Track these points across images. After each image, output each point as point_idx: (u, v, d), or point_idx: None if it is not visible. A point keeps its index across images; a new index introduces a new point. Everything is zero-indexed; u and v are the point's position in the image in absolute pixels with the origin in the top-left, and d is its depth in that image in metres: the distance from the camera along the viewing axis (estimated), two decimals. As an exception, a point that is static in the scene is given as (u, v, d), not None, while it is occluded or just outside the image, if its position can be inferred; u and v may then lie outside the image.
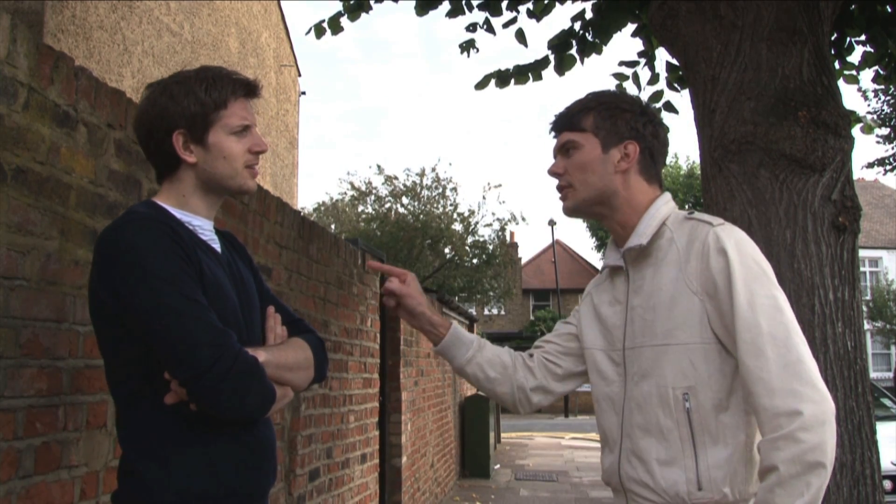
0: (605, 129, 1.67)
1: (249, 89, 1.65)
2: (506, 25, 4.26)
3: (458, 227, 20.13)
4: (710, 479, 1.51)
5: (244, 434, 1.58)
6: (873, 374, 24.48)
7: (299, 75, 16.41)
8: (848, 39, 4.02)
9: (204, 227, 1.65)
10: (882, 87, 13.80)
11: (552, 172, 1.74)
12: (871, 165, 16.44)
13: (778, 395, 1.42)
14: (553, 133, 1.76)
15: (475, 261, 20.55)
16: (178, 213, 1.61)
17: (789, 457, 1.39)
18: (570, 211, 1.74)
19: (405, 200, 20.43)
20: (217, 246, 1.67)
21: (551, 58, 4.34)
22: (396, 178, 20.38)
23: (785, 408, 1.41)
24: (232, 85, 1.61)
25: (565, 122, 1.72)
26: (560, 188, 1.74)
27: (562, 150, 1.73)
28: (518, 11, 4.22)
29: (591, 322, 1.78)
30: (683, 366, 1.54)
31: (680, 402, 1.54)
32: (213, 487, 1.49)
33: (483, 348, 1.86)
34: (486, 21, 4.24)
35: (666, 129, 1.75)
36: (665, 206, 1.67)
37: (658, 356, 1.57)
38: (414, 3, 4.17)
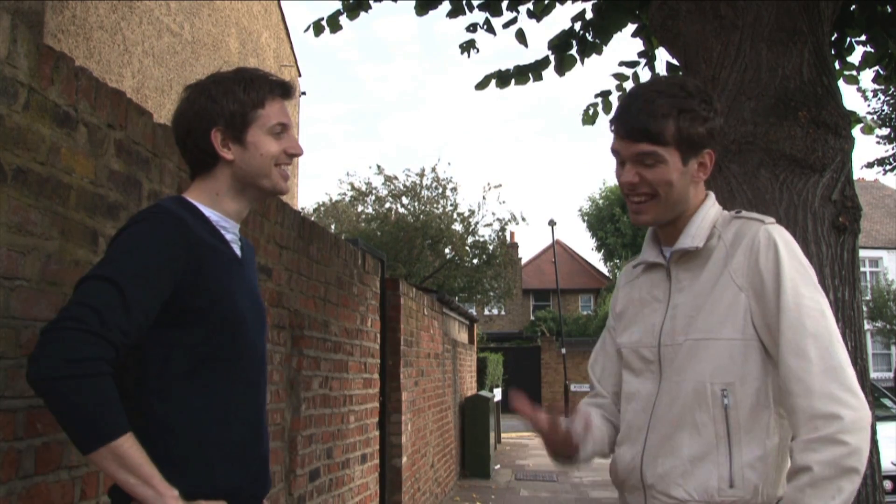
0: (686, 140, 1.57)
1: (285, 90, 1.68)
2: (506, 26, 4.26)
3: (458, 227, 20.13)
4: (742, 477, 1.49)
5: (248, 434, 1.58)
6: (873, 374, 24.45)
7: (299, 75, 16.42)
8: (848, 39, 4.02)
9: (230, 229, 1.66)
10: (882, 86, 13.79)
11: (629, 183, 1.60)
12: (870, 165, 16.45)
13: (817, 398, 1.41)
14: (625, 135, 1.60)
15: (475, 261, 20.54)
16: (207, 212, 1.62)
17: (826, 459, 1.38)
18: (648, 223, 1.67)
19: (405, 200, 20.44)
20: (239, 251, 1.68)
21: (551, 58, 4.35)
22: (396, 178, 20.39)
23: (824, 410, 1.40)
24: (269, 85, 1.65)
25: (645, 132, 1.56)
26: (637, 197, 1.62)
27: (638, 159, 1.59)
28: (518, 11, 4.23)
29: (627, 320, 1.75)
30: (723, 361, 1.53)
31: (718, 398, 1.52)
32: (212, 488, 1.50)
33: (592, 436, 1.75)
34: (487, 21, 4.24)
35: (728, 128, 1.69)
36: (713, 207, 1.65)
37: (698, 351, 1.55)
38: (414, 3, 4.17)
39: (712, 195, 1.69)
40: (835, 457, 1.38)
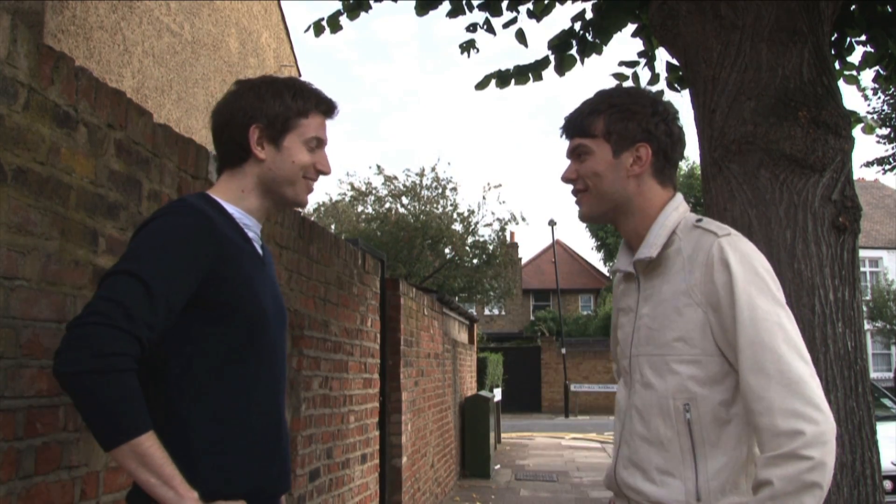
0: (616, 132, 1.63)
1: (329, 109, 1.71)
2: (506, 25, 4.26)
3: (458, 227, 20.11)
4: (708, 490, 1.50)
5: (269, 434, 1.59)
6: (873, 375, 24.48)
7: (299, 75, 16.42)
8: (848, 39, 4.02)
9: (252, 228, 1.67)
10: (882, 86, 13.79)
11: (566, 179, 1.72)
12: (869, 164, 16.44)
13: (778, 415, 1.40)
14: (564, 136, 1.73)
15: (475, 261, 20.53)
16: (231, 209, 1.63)
17: (786, 474, 1.37)
18: (586, 217, 1.73)
19: (405, 200, 20.43)
20: (259, 249, 1.68)
21: (551, 58, 4.35)
22: (396, 178, 20.38)
23: (786, 427, 1.39)
24: (316, 99, 1.68)
25: (576, 127, 1.68)
26: (575, 193, 1.72)
27: (574, 155, 1.70)
28: (518, 11, 4.23)
29: (616, 327, 1.79)
30: (684, 377, 1.53)
31: (681, 413, 1.53)
32: (233, 488, 1.50)
33: None
34: (487, 21, 4.24)
35: (680, 125, 1.70)
36: (675, 212, 1.64)
37: (660, 366, 1.56)
38: (414, 3, 4.17)
39: (678, 198, 1.67)
40: (796, 472, 1.36)
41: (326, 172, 1.70)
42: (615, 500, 1.71)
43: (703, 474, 1.51)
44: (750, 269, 1.50)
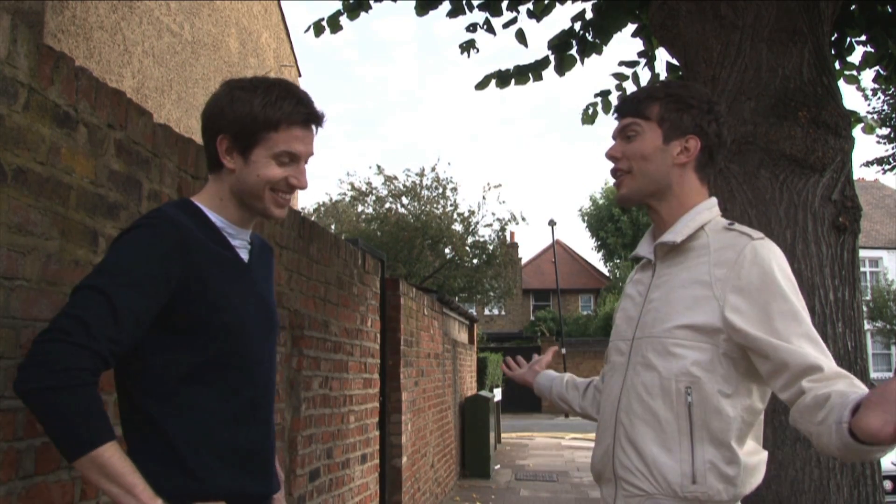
0: (669, 120, 1.67)
1: (308, 118, 1.59)
2: (506, 25, 4.26)
3: (458, 227, 20.12)
4: (704, 474, 1.51)
5: (249, 440, 1.59)
6: (873, 375, 24.45)
7: (299, 76, 16.41)
8: (848, 39, 4.02)
9: (237, 235, 1.64)
10: (882, 86, 13.78)
11: (610, 155, 1.73)
12: (869, 164, 16.44)
13: (798, 355, 1.46)
14: (616, 115, 1.75)
15: (475, 261, 20.53)
16: (213, 216, 1.61)
17: (841, 371, 1.45)
18: (624, 199, 1.74)
19: (405, 200, 20.43)
20: (246, 255, 1.66)
21: (551, 58, 4.35)
22: (396, 178, 20.39)
23: (814, 360, 1.45)
24: (291, 109, 1.56)
25: (631, 107, 1.71)
26: (615, 172, 1.73)
27: (622, 134, 1.72)
28: (518, 11, 4.23)
29: (616, 315, 1.80)
30: (688, 362, 1.54)
31: (682, 395, 1.54)
32: (213, 491, 1.51)
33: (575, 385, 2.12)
34: (487, 21, 4.24)
35: (727, 130, 1.74)
36: (708, 211, 1.67)
37: (665, 348, 1.57)
38: (414, 2, 4.18)
39: (714, 200, 1.71)
40: (842, 371, 1.45)
41: (300, 187, 1.60)
42: (601, 487, 1.71)
43: (700, 457, 1.52)
44: (777, 272, 1.55)
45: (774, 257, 1.57)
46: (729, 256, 1.57)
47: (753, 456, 1.57)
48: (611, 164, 1.74)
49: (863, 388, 1.39)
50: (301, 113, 1.57)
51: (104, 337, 1.38)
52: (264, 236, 3.30)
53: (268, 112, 1.54)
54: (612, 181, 2.03)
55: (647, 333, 1.62)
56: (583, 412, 2.04)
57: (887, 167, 16.14)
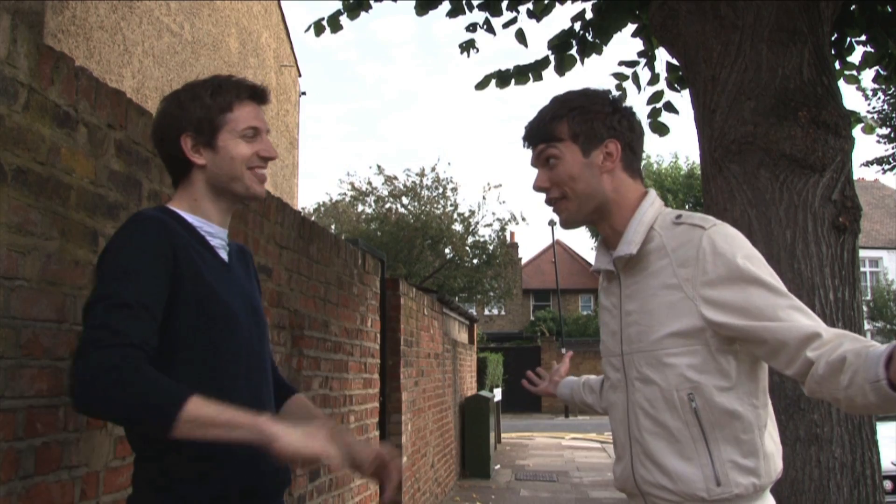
0: (582, 133, 1.65)
1: (255, 93, 1.68)
2: (506, 25, 4.26)
3: (458, 227, 20.13)
4: (726, 473, 1.52)
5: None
6: (873, 374, 24.38)
7: (299, 76, 16.41)
8: (848, 39, 4.02)
9: (216, 234, 1.67)
10: (882, 86, 13.78)
11: (538, 187, 1.71)
12: (869, 164, 16.44)
13: (792, 329, 1.46)
14: (527, 144, 1.73)
15: (475, 261, 20.54)
16: (189, 218, 1.64)
17: (838, 331, 1.45)
18: (569, 223, 1.72)
19: (405, 200, 20.44)
20: (225, 255, 1.69)
21: (551, 58, 4.35)
22: (396, 178, 20.40)
23: (809, 329, 1.45)
24: (236, 89, 1.65)
25: (541, 133, 1.68)
26: (551, 201, 1.71)
27: (541, 162, 1.69)
28: (518, 11, 4.23)
29: (601, 328, 1.80)
30: (683, 368, 1.54)
31: (686, 404, 1.54)
32: (222, 488, 1.52)
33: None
34: (486, 21, 4.24)
35: (638, 119, 1.72)
36: (651, 208, 1.65)
37: (658, 360, 1.57)
38: (414, 2, 4.18)
39: (652, 194, 1.69)
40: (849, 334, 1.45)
41: (272, 157, 1.67)
42: (630, 501, 1.70)
43: (719, 458, 1.52)
44: (741, 249, 1.54)
45: (733, 242, 1.55)
46: (689, 254, 1.55)
47: (769, 441, 1.58)
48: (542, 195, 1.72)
49: (869, 342, 1.39)
50: (246, 88, 1.67)
51: (132, 332, 1.40)
52: (265, 236, 3.30)
53: (217, 98, 1.63)
54: None
55: (637, 348, 1.62)
56: (605, 412, 2.04)
57: (887, 167, 16.14)
